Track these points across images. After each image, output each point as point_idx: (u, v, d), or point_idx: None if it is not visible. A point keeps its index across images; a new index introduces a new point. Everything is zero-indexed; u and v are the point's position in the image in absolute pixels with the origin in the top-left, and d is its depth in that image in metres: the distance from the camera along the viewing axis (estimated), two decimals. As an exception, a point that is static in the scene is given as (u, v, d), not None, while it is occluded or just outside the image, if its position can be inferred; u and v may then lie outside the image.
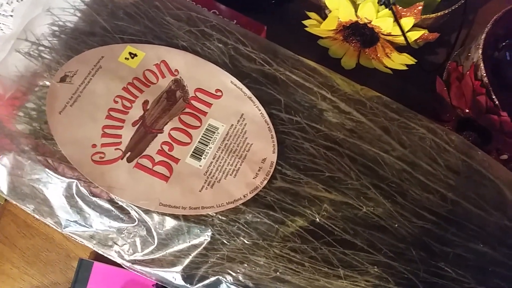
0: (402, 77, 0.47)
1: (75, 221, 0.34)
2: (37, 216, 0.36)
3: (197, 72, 0.37)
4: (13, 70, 0.38)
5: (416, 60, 0.44)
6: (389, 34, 0.42)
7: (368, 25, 0.42)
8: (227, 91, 0.36)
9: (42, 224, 0.51)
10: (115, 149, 0.34)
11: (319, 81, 0.38)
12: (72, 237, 0.35)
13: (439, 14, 0.41)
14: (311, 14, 0.45)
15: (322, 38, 0.47)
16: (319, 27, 0.44)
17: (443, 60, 0.50)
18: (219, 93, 0.36)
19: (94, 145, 0.34)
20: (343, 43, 0.46)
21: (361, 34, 0.44)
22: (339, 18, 0.43)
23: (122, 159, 0.34)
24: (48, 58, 0.38)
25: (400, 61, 0.44)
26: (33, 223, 0.51)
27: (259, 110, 0.36)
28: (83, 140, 0.34)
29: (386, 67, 0.46)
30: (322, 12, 0.45)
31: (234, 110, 0.36)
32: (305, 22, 0.45)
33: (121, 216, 0.33)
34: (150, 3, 0.40)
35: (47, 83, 0.36)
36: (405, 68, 0.45)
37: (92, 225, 0.34)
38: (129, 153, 0.34)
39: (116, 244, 0.34)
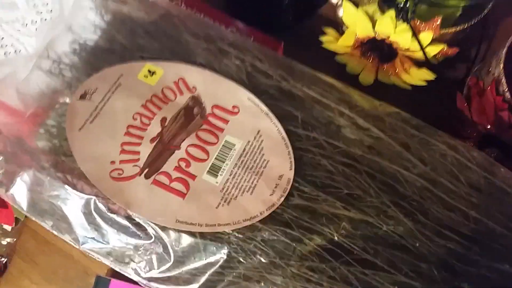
0: (421, 93, 0.47)
1: (93, 238, 0.34)
2: (55, 233, 0.36)
3: (215, 89, 0.37)
4: (34, 88, 0.39)
5: (435, 75, 0.43)
6: (407, 50, 0.42)
7: (386, 40, 0.42)
8: (244, 108, 0.36)
9: (61, 241, 0.50)
10: (133, 165, 0.34)
11: (336, 97, 0.38)
12: (89, 254, 0.35)
13: (458, 28, 0.40)
14: (328, 30, 0.45)
15: (339, 54, 0.47)
16: (336, 43, 0.44)
17: (463, 76, 0.49)
18: (236, 110, 0.36)
19: (113, 162, 0.34)
20: (361, 59, 0.46)
21: (379, 49, 0.44)
22: (356, 34, 0.43)
23: (140, 175, 0.34)
24: (68, 75, 0.39)
25: (419, 76, 0.44)
26: (52, 240, 0.51)
27: (276, 126, 0.36)
28: (102, 157, 0.34)
29: (405, 83, 0.45)
30: (340, 29, 0.45)
31: (251, 126, 0.36)
32: (322, 38, 0.45)
33: (138, 232, 0.33)
34: (169, 21, 0.41)
35: (68, 100, 0.37)
36: (424, 83, 0.44)
37: (109, 242, 0.34)
38: (147, 169, 0.34)
39: (133, 261, 0.34)
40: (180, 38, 0.40)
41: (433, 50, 0.41)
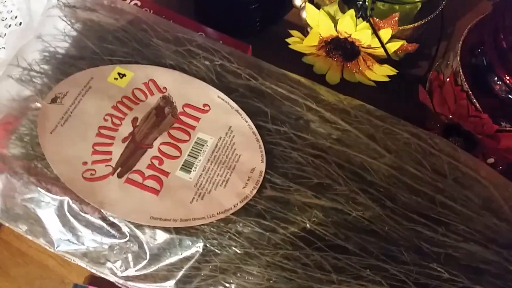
0: (386, 89, 0.49)
1: (67, 240, 0.34)
2: (30, 237, 0.36)
3: (185, 89, 0.38)
4: (5, 95, 0.39)
5: (397, 71, 0.45)
6: (369, 47, 0.44)
7: (348, 39, 0.44)
8: (215, 105, 0.37)
9: (35, 251, 0.50)
10: (106, 165, 0.35)
11: (304, 92, 0.39)
12: (65, 256, 0.35)
13: (416, 24, 0.43)
14: (294, 32, 0.46)
15: (306, 55, 0.48)
16: (301, 44, 0.46)
17: (425, 72, 0.51)
18: (207, 108, 0.37)
19: (85, 163, 0.34)
20: (326, 59, 0.47)
21: (342, 48, 0.46)
22: (320, 34, 0.44)
23: (112, 175, 0.34)
24: (39, 82, 0.39)
25: (382, 72, 0.45)
26: (26, 251, 0.50)
27: (247, 122, 0.37)
28: (74, 158, 0.35)
29: (370, 80, 0.47)
30: (305, 31, 0.47)
31: (222, 123, 0.37)
32: (288, 40, 0.47)
33: (113, 232, 0.34)
34: (138, 26, 0.42)
35: (39, 105, 0.37)
36: (387, 79, 0.46)
37: (84, 243, 0.34)
38: (119, 168, 0.34)
39: (109, 261, 0.34)
40: (149, 42, 0.41)
41: (393, 46, 0.43)
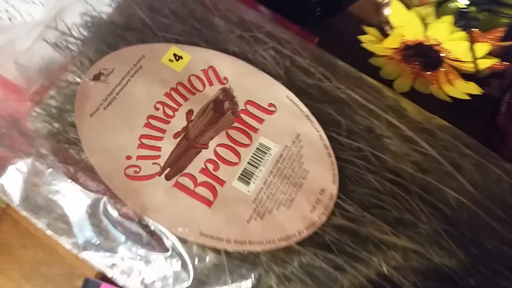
0: (458, 106, 0.43)
1: (97, 244, 0.29)
2: (50, 233, 0.31)
3: (249, 82, 0.33)
4: (37, 61, 0.33)
5: (483, 91, 0.39)
6: (456, 59, 0.38)
7: (435, 47, 0.38)
8: (282, 107, 0.32)
9: (45, 233, 0.45)
10: (153, 163, 0.29)
11: (385, 104, 0.34)
12: (89, 262, 0.30)
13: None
14: (369, 30, 0.40)
15: (375, 56, 0.43)
16: (377, 44, 0.40)
17: (502, 92, 0.45)
18: (272, 108, 0.32)
19: (129, 157, 0.29)
20: (400, 64, 0.41)
21: (424, 56, 0.40)
22: (403, 37, 0.38)
23: (160, 175, 0.29)
24: (78, 51, 0.34)
25: (464, 89, 0.40)
26: (35, 232, 0.45)
27: (318, 131, 0.31)
28: (116, 150, 0.29)
29: (446, 94, 0.41)
30: (381, 28, 0.41)
31: (289, 129, 0.31)
32: (363, 38, 0.41)
33: (153, 243, 0.28)
34: (198, 1, 0.36)
35: (77, 79, 0.32)
36: (467, 97, 0.41)
37: (116, 251, 0.29)
38: (168, 169, 0.29)
39: (143, 277, 0.29)
40: (210, 22, 0.35)
41: (485, 63, 0.37)
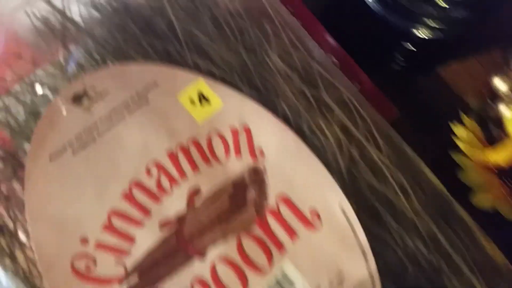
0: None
1: None
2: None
3: (293, 168, 0.22)
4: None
5: None
6: None
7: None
8: (330, 222, 0.21)
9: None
10: (117, 260, 0.19)
11: (472, 256, 0.23)
12: None
13: None
14: (470, 123, 0.30)
15: (458, 151, 0.32)
16: (476, 148, 0.29)
17: None
18: (315, 220, 0.21)
19: (84, 240, 0.19)
20: (493, 179, 0.31)
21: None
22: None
23: (120, 284, 0.19)
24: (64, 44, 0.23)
25: None
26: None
27: (371, 275, 0.21)
28: (70, 224, 0.19)
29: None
30: (485, 127, 0.30)
31: (330, 260, 0.21)
32: (457, 130, 0.30)
33: None
34: (258, 20, 0.25)
35: (49, 94, 0.21)
36: None
37: None
38: (136, 276, 0.19)
39: None
40: (264, 57, 0.24)
41: None
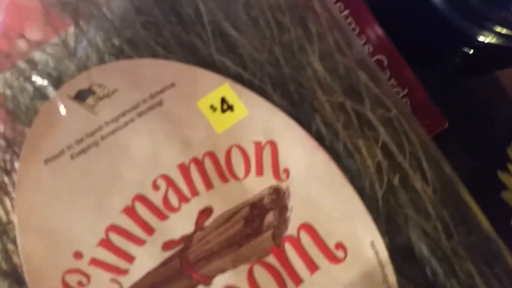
0: None
1: None
2: None
3: (321, 193, 0.19)
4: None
5: None
6: None
7: None
8: (357, 257, 0.19)
9: None
10: (112, 279, 0.17)
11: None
12: None
13: None
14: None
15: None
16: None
17: None
18: (339, 253, 0.19)
19: (78, 255, 0.17)
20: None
21: None
22: None
23: (113, 308, 0.17)
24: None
25: None
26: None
27: (398, 328, 0.18)
28: (64, 236, 0.17)
29: None
30: None
31: (353, 302, 0.18)
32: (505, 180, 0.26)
33: None
34: (301, 16, 0.22)
35: (52, 91, 0.19)
36: None
37: None
38: (131, 302, 0.17)
39: None
40: (304, 62, 0.21)
41: None
